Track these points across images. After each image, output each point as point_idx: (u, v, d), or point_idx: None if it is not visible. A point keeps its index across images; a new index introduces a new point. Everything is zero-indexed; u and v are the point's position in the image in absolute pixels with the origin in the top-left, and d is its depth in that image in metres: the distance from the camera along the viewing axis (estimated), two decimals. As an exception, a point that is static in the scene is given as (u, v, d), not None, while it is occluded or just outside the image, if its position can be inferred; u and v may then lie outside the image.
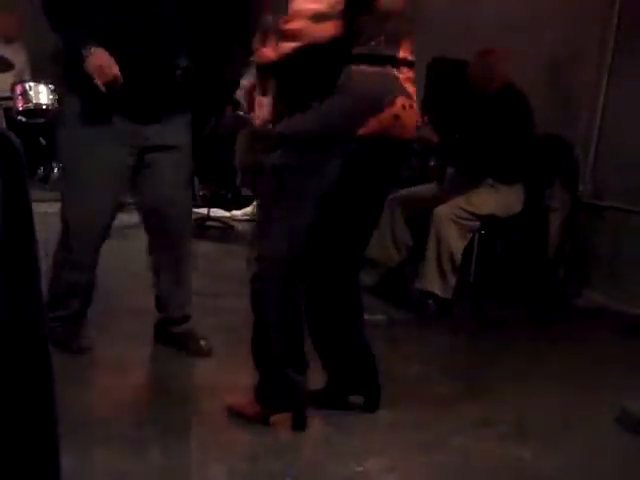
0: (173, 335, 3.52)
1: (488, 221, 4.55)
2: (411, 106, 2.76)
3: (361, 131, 2.68)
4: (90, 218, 3.30)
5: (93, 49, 3.11)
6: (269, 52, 2.68)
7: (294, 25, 2.60)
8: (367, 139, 2.69)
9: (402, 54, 2.74)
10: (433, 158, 5.15)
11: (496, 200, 4.53)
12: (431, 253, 4.42)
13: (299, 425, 2.80)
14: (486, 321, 4.56)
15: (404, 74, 2.75)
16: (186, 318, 3.54)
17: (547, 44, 5.42)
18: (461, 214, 4.43)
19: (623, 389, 3.41)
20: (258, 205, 2.78)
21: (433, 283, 4.41)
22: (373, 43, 2.68)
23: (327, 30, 2.63)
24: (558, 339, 4.34)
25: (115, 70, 3.10)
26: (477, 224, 4.53)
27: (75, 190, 3.34)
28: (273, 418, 2.80)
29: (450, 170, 4.90)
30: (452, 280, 4.44)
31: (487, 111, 4.56)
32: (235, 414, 2.86)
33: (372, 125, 2.68)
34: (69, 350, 3.22)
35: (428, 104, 5.79)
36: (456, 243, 4.43)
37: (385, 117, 2.69)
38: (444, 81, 6.08)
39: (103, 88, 3.10)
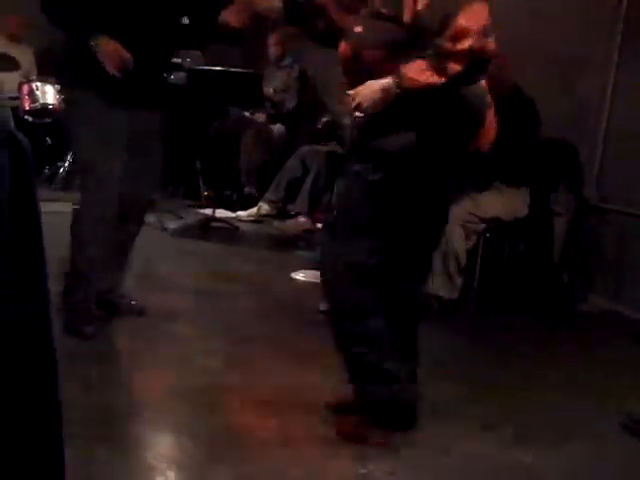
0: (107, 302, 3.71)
1: (494, 224, 4.55)
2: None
3: (472, 147, 2.69)
4: (101, 204, 3.42)
5: (99, 38, 3.19)
6: (431, 76, 2.50)
7: (467, 44, 2.47)
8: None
9: None
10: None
11: (502, 203, 4.53)
12: (437, 256, 4.41)
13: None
14: (490, 324, 4.56)
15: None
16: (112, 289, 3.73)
17: (553, 48, 5.42)
18: (467, 217, 4.43)
19: (628, 394, 3.41)
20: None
21: (438, 285, 4.42)
22: None
23: (492, 46, 2.56)
24: (562, 343, 4.34)
25: (126, 54, 3.21)
26: (482, 227, 4.53)
27: (86, 179, 3.49)
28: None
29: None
30: (457, 282, 4.45)
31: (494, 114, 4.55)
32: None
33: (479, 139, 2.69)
34: (82, 336, 3.36)
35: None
36: (461, 245, 4.43)
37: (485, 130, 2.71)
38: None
39: (118, 73, 3.17)
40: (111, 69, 3.20)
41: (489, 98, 2.72)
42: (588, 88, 5.32)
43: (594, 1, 5.36)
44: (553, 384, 3.60)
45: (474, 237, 4.53)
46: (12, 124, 1.47)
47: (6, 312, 1.22)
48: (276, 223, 6.40)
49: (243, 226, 6.27)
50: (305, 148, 6.56)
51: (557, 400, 3.39)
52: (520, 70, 4.73)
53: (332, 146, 6.86)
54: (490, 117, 2.74)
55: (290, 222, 6.30)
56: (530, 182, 4.66)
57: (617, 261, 5.09)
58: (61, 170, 6.95)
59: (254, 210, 6.50)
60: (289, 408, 3.00)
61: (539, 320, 4.72)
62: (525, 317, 4.72)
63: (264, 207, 6.49)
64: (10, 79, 6.87)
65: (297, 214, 6.34)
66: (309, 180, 6.30)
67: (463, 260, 4.45)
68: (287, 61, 7.10)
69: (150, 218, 3.90)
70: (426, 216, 2.79)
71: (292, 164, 6.49)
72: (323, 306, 4.03)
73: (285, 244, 6.02)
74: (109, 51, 3.19)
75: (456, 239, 4.40)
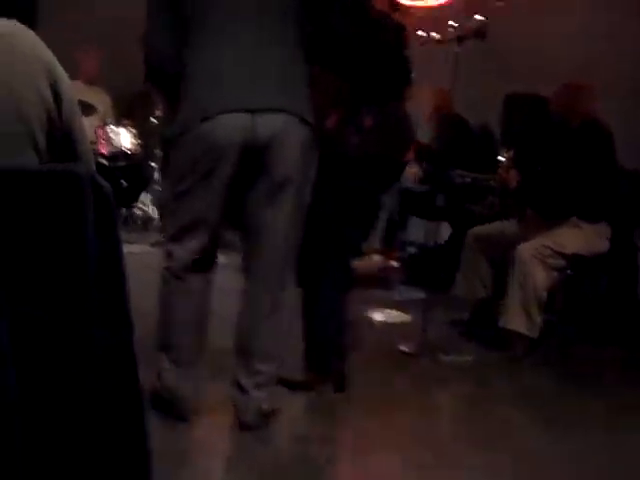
0: None
1: (574, 260, 4.42)
2: None
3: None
4: None
5: None
6: None
7: None
8: None
9: None
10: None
11: (581, 239, 4.40)
12: (515, 291, 4.32)
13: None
14: (574, 363, 4.42)
15: None
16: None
17: (629, 78, 5.32)
18: (545, 252, 4.32)
19: None
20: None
21: (518, 322, 4.31)
22: None
23: None
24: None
25: None
26: (562, 263, 4.41)
27: None
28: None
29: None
30: (538, 319, 4.32)
31: (569, 146, 4.47)
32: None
33: None
34: None
35: (507, 139, 5.74)
36: (541, 281, 4.32)
37: None
38: (522, 117, 6.02)
39: None
40: None
41: None
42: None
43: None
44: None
45: (554, 273, 4.41)
46: (94, 169, 1.49)
47: (95, 356, 1.23)
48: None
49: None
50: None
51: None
52: (596, 101, 4.63)
53: (404, 183, 6.81)
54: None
55: (365, 260, 6.24)
56: (610, 216, 4.53)
57: None
58: (136, 212, 7.06)
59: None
60: (366, 450, 2.94)
61: (625, 359, 4.57)
62: (610, 355, 4.57)
63: (338, 246, 6.44)
64: (87, 123, 7.00)
65: (371, 252, 6.28)
66: (383, 217, 6.25)
67: (543, 297, 4.33)
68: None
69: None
70: None
71: (365, 202, 6.46)
72: (404, 346, 3.98)
73: (360, 283, 5.95)
74: None
75: (536, 276, 4.29)
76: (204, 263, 2.88)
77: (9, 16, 1.48)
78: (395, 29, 3.38)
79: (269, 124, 2.70)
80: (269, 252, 2.86)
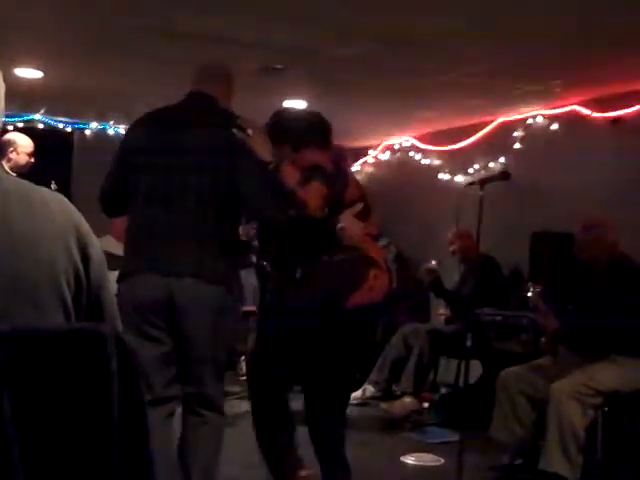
0: None
1: (611, 397, 4.32)
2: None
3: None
4: None
5: None
6: None
7: None
8: None
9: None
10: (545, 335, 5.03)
11: (619, 374, 4.32)
12: (552, 432, 4.22)
13: None
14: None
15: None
16: None
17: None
18: (582, 390, 4.23)
19: None
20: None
21: (559, 464, 4.17)
22: None
23: None
24: None
25: None
26: (599, 400, 4.31)
27: None
28: None
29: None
30: (578, 460, 4.18)
31: (599, 286, 4.45)
32: None
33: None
34: None
35: (535, 276, 5.74)
36: (578, 421, 4.21)
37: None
38: (549, 254, 6.04)
39: None
40: None
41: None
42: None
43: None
44: None
45: (591, 411, 4.31)
46: (120, 326, 1.53)
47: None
48: (383, 405, 6.27)
49: (349, 409, 6.15)
50: (407, 327, 6.53)
51: None
52: (627, 237, 4.65)
53: (433, 324, 6.81)
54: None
55: (396, 403, 6.16)
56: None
57: None
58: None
59: (359, 393, 6.40)
60: None
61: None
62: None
63: (369, 389, 6.39)
64: (114, 277, 7.11)
65: (403, 394, 6.21)
66: (413, 359, 6.21)
67: (582, 437, 4.21)
68: (383, 242, 7.16)
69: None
70: None
71: (395, 344, 6.44)
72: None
73: (392, 426, 5.86)
74: None
75: (572, 415, 4.19)
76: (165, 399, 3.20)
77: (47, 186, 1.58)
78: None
79: (181, 287, 3.12)
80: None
